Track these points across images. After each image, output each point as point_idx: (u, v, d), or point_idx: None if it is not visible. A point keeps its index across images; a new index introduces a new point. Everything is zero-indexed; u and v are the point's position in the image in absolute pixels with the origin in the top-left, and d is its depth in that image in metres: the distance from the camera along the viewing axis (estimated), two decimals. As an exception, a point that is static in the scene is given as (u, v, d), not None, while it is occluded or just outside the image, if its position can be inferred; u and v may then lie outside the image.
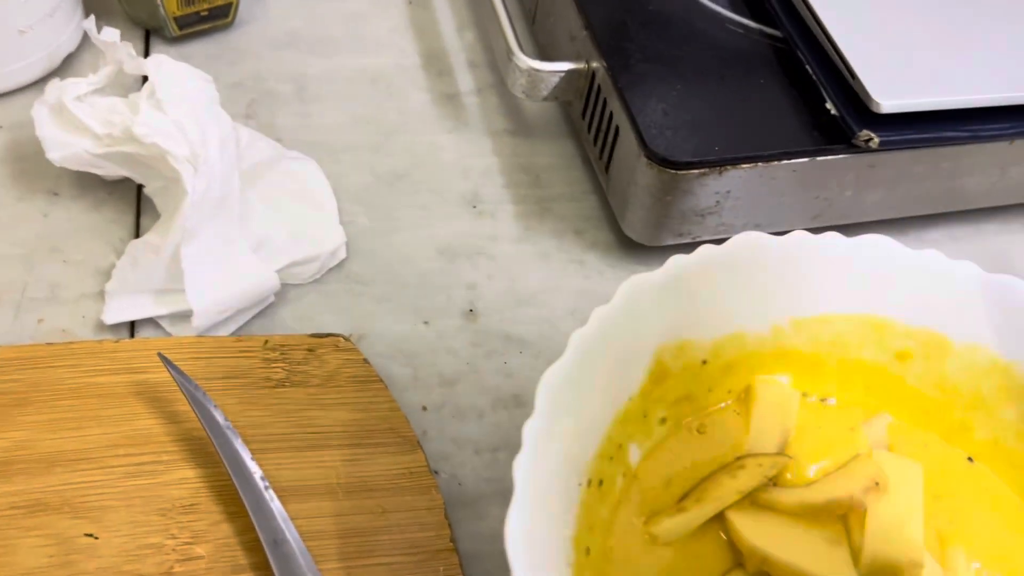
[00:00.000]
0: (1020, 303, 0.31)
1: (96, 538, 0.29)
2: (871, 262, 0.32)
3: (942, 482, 0.32)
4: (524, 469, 0.25)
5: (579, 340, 0.28)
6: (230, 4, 0.47)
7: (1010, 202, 0.45)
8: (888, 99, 0.37)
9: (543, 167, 0.46)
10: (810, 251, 0.32)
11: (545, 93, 0.43)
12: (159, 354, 0.32)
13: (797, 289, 0.32)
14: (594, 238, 0.43)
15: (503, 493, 0.34)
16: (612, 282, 0.42)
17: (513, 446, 0.35)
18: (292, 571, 0.28)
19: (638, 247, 0.42)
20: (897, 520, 0.29)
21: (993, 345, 0.32)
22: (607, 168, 0.41)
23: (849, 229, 0.35)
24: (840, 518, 0.30)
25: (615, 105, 0.40)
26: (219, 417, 0.31)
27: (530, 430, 0.26)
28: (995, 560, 0.31)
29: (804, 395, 0.34)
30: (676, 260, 0.30)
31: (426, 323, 0.39)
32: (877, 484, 0.30)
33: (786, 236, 0.32)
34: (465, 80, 0.49)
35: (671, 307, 0.30)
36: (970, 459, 0.33)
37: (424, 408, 0.36)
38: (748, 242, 0.31)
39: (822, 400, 0.34)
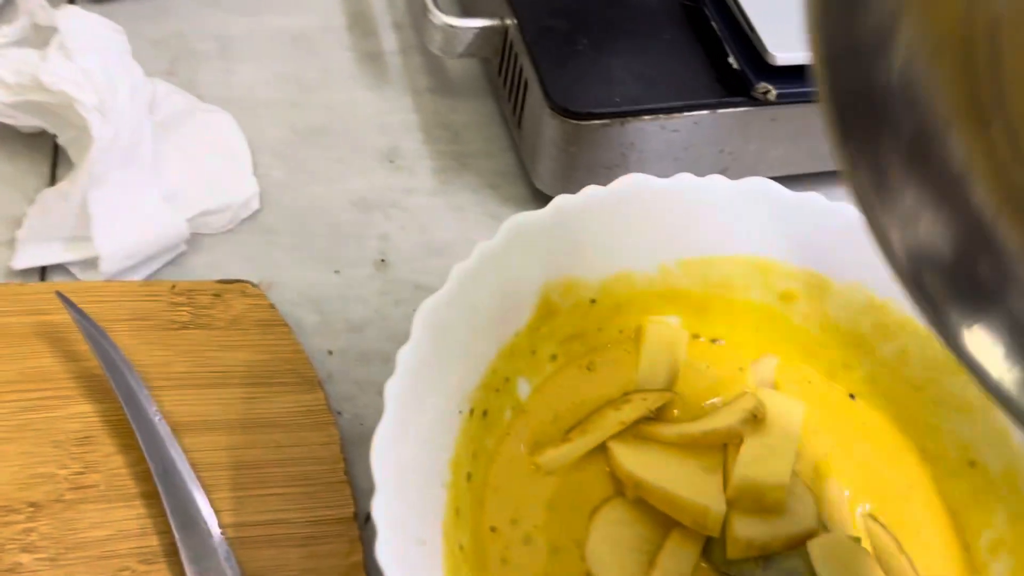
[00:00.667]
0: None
1: (-13, 467, 0.29)
2: (755, 204, 0.33)
3: (824, 418, 0.34)
4: (395, 392, 0.26)
5: (459, 273, 0.29)
6: (153, -38, 0.48)
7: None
8: (783, 52, 0.38)
9: (463, 124, 0.46)
10: (695, 193, 0.33)
11: (460, 49, 0.44)
12: (57, 293, 0.32)
13: (684, 231, 0.33)
14: (509, 193, 0.44)
15: (404, 432, 0.35)
16: (524, 234, 0.42)
17: (417, 389, 0.37)
18: (180, 498, 0.29)
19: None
20: (769, 449, 0.30)
21: (870, 283, 0.33)
22: (519, 123, 0.42)
23: None
24: (719, 449, 0.31)
25: (524, 60, 0.40)
26: (114, 353, 0.31)
27: (403, 355, 0.27)
28: (868, 489, 0.32)
29: (694, 336, 0.35)
30: (561, 199, 0.31)
31: (336, 272, 0.40)
32: (755, 417, 0.31)
33: (671, 178, 0.33)
34: (389, 40, 0.49)
35: (557, 246, 0.31)
36: (852, 396, 0.34)
37: (330, 352, 0.37)
38: (633, 184, 0.32)
39: (712, 341, 0.35)
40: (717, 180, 0.33)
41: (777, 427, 0.31)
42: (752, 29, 0.39)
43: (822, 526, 0.29)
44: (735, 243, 0.34)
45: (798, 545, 0.29)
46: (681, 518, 0.29)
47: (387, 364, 0.37)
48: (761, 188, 0.33)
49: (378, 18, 0.51)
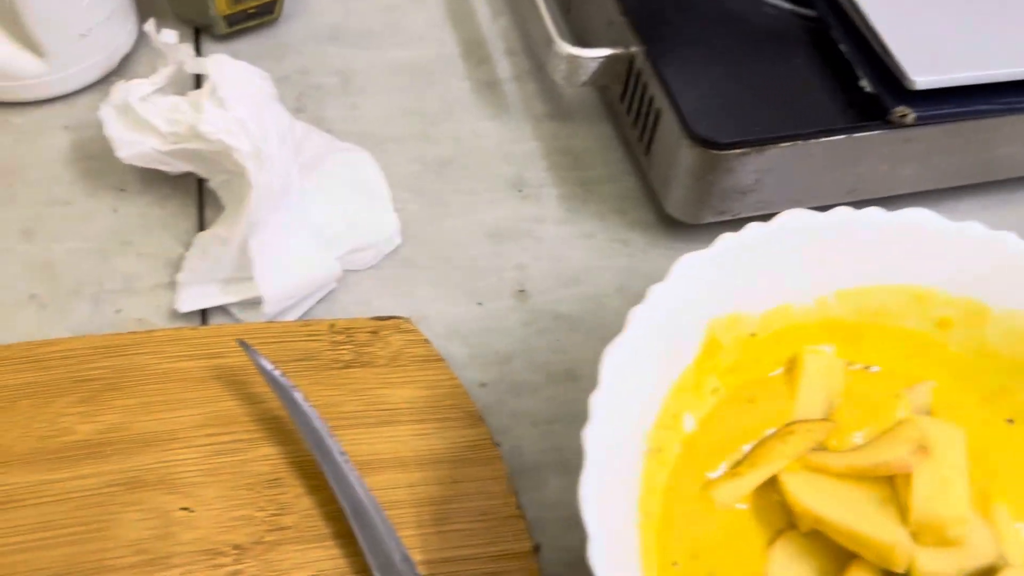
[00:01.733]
0: (1057, 270, 0.33)
1: (192, 511, 0.31)
2: (912, 235, 0.33)
3: (983, 443, 0.34)
4: (593, 438, 0.27)
5: (638, 316, 0.30)
6: (275, 0, 0.49)
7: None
8: (923, 75, 0.38)
9: (582, 150, 0.47)
10: (853, 226, 0.33)
11: (584, 79, 0.44)
12: (239, 341, 0.34)
13: (841, 263, 0.34)
14: (635, 217, 0.45)
15: (561, 463, 0.36)
16: (655, 260, 0.43)
17: (568, 418, 0.38)
18: (375, 538, 0.30)
19: (679, 225, 0.43)
20: (942, 480, 0.31)
21: (1031, 311, 0.33)
22: (648, 150, 0.43)
23: (884, 202, 0.36)
24: (887, 480, 0.32)
25: (655, 89, 0.41)
26: (298, 397, 0.33)
27: (596, 402, 0.28)
28: (1036, 515, 0.32)
29: (848, 363, 0.35)
30: (725, 239, 0.32)
31: (479, 304, 0.41)
32: (923, 448, 0.32)
33: (830, 212, 0.33)
34: (504, 68, 0.50)
35: (722, 283, 0.32)
36: (1010, 420, 0.35)
37: (482, 384, 0.38)
38: (793, 219, 0.33)
39: (866, 368, 0.36)
40: (875, 212, 0.33)
41: (944, 456, 0.32)
42: (888, 52, 0.39)
43: (1002, 558, 0.30)
44: (891, 273, 0.34)
45: (980, 577, 0.29)
46: (864, 554, 0.29)
47: (537, 394, 0.38)
48: (919, 218, 0.33)
49: (490, 45, 0.51)
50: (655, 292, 0.30)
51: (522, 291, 0.41)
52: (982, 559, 0.29)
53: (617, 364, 0.29)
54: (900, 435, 0.33)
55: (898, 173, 0.42)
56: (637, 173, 0.46)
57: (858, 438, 0.34)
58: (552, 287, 0.42)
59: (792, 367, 0.35)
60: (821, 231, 0.33)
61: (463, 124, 0.47)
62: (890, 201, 0.44)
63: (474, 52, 0.51)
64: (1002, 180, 0.46)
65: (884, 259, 0.34)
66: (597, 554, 0.25)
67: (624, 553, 0.27)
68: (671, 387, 0.31)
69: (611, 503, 0.27)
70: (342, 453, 0.32)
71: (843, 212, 0.33)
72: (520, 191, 0.45)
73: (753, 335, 0.34)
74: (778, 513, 0.32)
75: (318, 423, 0.32)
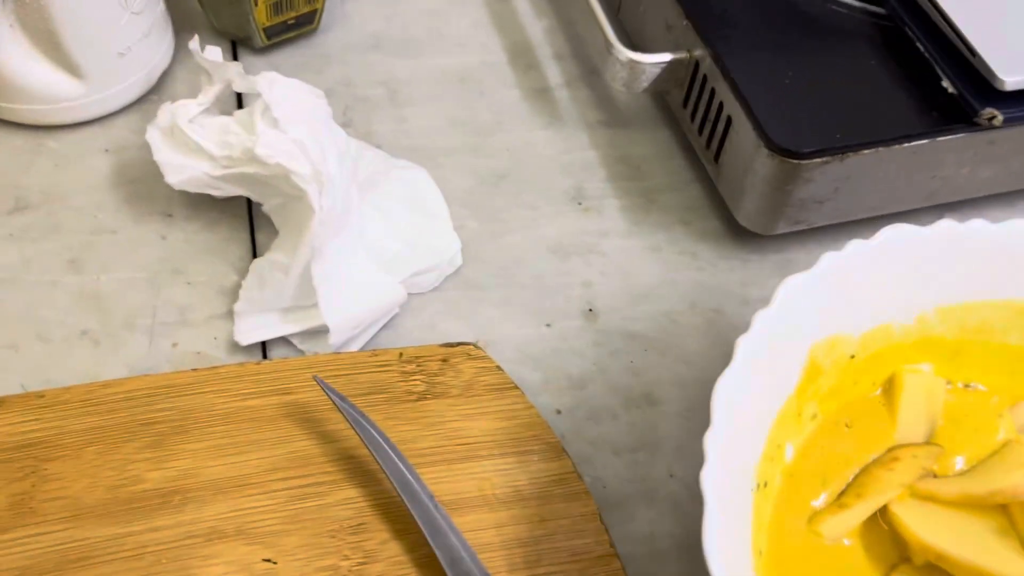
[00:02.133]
0: None
1: (275, 563, 0.29)
2: (1017, 247, 0.32)
3: (1093, 463, 0.32)
4: (711, 480, 0.25)
5: (746, 345, 0.28)
6: (315, 11, 0.47)
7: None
8: (1013, 75, 0.36)
9: (642, 158, 0.45)
10: (957, 240, 0.32)
11: (645, 84, 0.43)
12: (314, 376, 0.32)
13: (943, 278, 0.32)
14: (703, 228, 0.43)
15: (647, 494, 0.35)
16: (726, 272, 0.42)
17: (651, 446, 0.36)
18: (471, 587, 0.29)
19: (749, 235, 0.42)
20: (1063, 506, 0.29)
21: None
22: (717, 158, 0.41)
23: (961, 205, 0.35)
24: (1000, 508, 0.30)
25: (725, 94, 0.39)
26: (377, 433, 0.31)
27: (711, 441, 0.26)
28: None
29: (948, 382, 0.34)
30: (829, 258, 0.30)
31: (548, 325, 0.39)
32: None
33: (933, 226, 0.31)
34: (553, 73, 0.49)
35: (824, 304, 0.30)
36: (1119, 437, 0.33)
37: (558, 412, 0.37)
38: (897, 235, 0.31)
39: (966, 386, 0.34)
40: (979, 225, 0.32)
41: (1059, 480, 0.30)
42: (973, 52, 0.37)
43: None
44: (994, 287, 0.32)
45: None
46: (992, 591, 0.28)
47: (617, 420, 0.37)
48: (1022, 229, 0.32)
49: (537, 50, 0.50)
50: (761, 319, 0.29)
51: (591, 310, 0.40)
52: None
53: (728, 397, 0.27)
54: (1010, 459, 0.31)
55: (978, 175, 0.41)
56: (701, 181, 0.45)
57: (959, 462, 0.32)
58: (622, 305, 0.40)
59: (890, 388, 0.33)
60: (924, 246, 0.31)
61: (515, 134, 0.46)
62: (967, 204, 0.43)
63: (521, 58, 0.49)
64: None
65: (988, 272, 0.32)
66: (729, 610, 0.23)
67: (748, 602, 0.25)
68: (775, 418, 0.30)
69: (730, 547, 0.25)
70: (430, 495, 0.30)
71: (947, 225, 0.31)
72: (580, 204, 0.43)
73: (852, 357, 0.32)
74: (889, 546, 0.30)
75: (402, 462, 0.31)
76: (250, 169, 0.37)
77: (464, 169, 0.44)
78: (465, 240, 0.41)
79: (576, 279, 0.41)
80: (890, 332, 0.32)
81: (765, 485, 0.30)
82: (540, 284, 0.40)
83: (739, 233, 0.42)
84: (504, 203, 0.43)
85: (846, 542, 0.30)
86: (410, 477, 0.30)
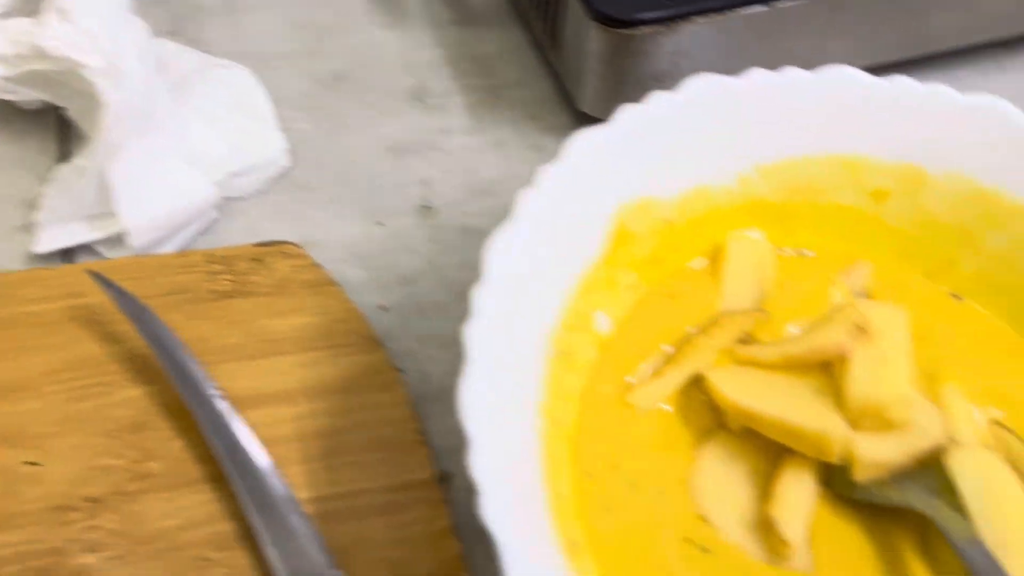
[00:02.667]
0: (1002, 124, 0.29)
1: (39, 465, 0.27)
2: (837, 95, 0.30)
3: (928, 323, 0.31)
4: (475, 337, 0.23)
5: (525, 202, 0.26)
6: (142, -84, 0.44)
7: (982, 39, 0.42)
8: (844, -71, 0.34)
9: (492, 55, 0.43)
10: (770, 90, 0.30)
11: (483, -27, 0.40)
12: (91, 272, 0.30)
13: (761, 133, 0.30)
14: (550, 122, 0.41)
15: (474, 385, 0.33)
16: (573, 164, 0.39)
17: (482, 338, 0.34)
18: (252, 478, 0.27)
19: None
20: (883, 362, 0.27)
21: (973, 172, 0.30)
22: (556, 43, 0.39)
23: None
24: (823, 369, 0.29)
25: (556, -29, 0.37)
26: (160, 330, 0.29)
27: (478, 296, 0.24)
28: (990, 395, 0.29)
29: (780, 249, 0.32)
30: (625, 110, 0.28)
31: (379, 224, 0.37)
32: (861, 329, 0.28)
33: (743, 75, 0.29)
34: (402, -27, 0.46)
35: (626, 164, 0.28)
36: (956, 296, 0.31)
37: (384, 308, 0.35)
38: (703, 86, 0.29)
39: (798, 252, 0.32)
40: (794, 73, 0.30)
41: (885, 338, 0.28)
42: (806, -92, 0.35)
43: (950, 439, 0.27)
44: (818, 141, 0.30)
45: (928, 461, 0.26)
46: (799, 447, 0.26)
47: (447, 316, 0.35)
48: (843, 77, 0.30)
49: (387, -49, 0.47)
50: (547, 175, 0.27)
51: (427, 207, 0.38)
52: (928, 441, 0.26)
53: (505, 255, 0.25)
54: (837, 320, 0.29)
55: (827, 49, 0.39)
56: (551, 76, 0.42)
57: (794, 330, 0.30)
58: (461, 200, 0.38)
59: (716, 256, 0.31)
60: (734, 97, 0.29)
61: (358, 35, 0.43)
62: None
63: (369, -41, 0.46)
64: (942, 55, 0.43)
65: (808, 126, 0.30)
66: (480, 463, 0.21)
67: (521, 464, 0.23)
68: (578, 284, 0.28)
69: (504, 411, 0.24)
70: (215, 389, 0.28)
71: (758, 74, 0.29)
72: (423, 102, 0.41)
73: (669, 222, 0.30)
74: (706, 414, 0.28)
75: (185, 358, 0.29)
76: (40, 66, 0.34)
77: (301, 72, 0.42)
78: (297, 143, 0.39)
79: (414, 177, 0.39)
80: (709, 194, 0.30)
81: (569, 355, 0.28)
82: (374, 184, 0.38)
83: (588, 125, 0.40)
84: (341, 105, 0.41)
85: (666, 408, 0.28)
86: (192, 371, 0.28)
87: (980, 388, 0.29)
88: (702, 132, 0.29)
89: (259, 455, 0.27)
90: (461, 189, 0.38)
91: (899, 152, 0.30)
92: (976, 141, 0.29)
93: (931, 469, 0.26)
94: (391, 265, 0.36)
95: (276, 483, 0.27)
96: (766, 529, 0.26)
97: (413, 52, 0.43)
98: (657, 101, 0.29)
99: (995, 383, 0.29)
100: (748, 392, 0.27)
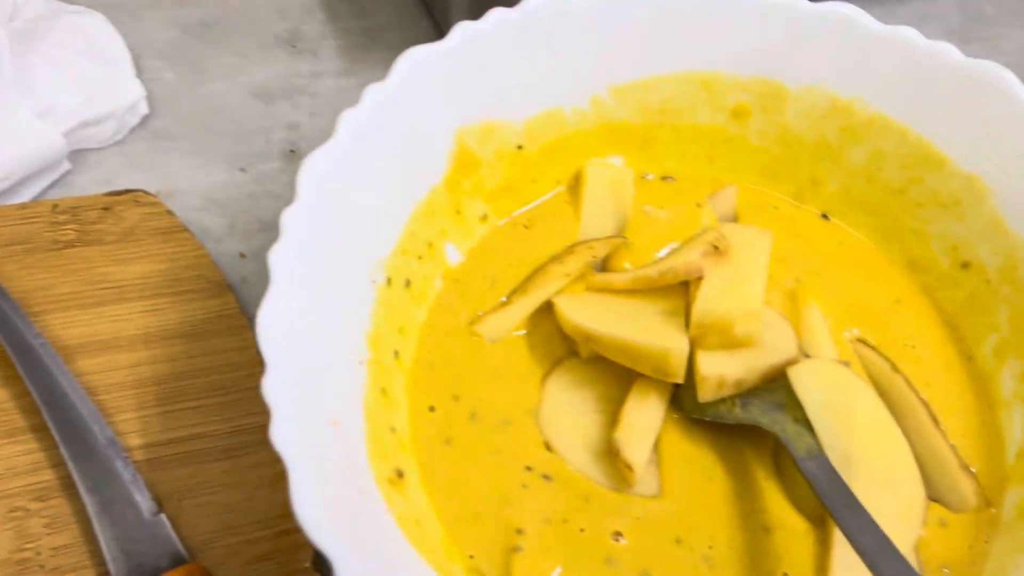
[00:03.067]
0: (852, 31, 0.28)
1: None
2: (689, 10, 0.29)
3: (795, 244, 0.30)
4: (282, 261, 0.22)
5: (349, 120, 0.25)
6: None
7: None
8: None
9: (369, -2, 0.42)
10: (618, 6, 0.28)
11: (351, -92, 0.39)
12: (-94, 219, 0.28)
13: (611, 51, 0.29)
14: (428, 63, 0.39)
15: (335, 329, 0.31)
16: (449, 104, 0.38)
17: (346, 282, 0.33)
18: (73, 426, 0.25)
19: (475, 65, 0.38)
20: (735, 279, 0.26)
21: (831, 83, 0.29)
22: (426, -21, 0.38)
23: None
24: (681, 292, 0.27)
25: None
26: (-19, 277, 0.27)
27: (289, 217, 0.23)
28: (852, 313, 0.28)
29: (642, 175, 0.31)
30: (463, 26, 0.27)
31: (242, 170, 0.36)
32: (717, 248, 0.27)
33: (587, -10, 0.28)
34: (279, -81, 0.44)
35: (466, 83, 0.27)
36: (824, 216, 0.31)
37: (243, 255, 0.33)
38: (544, 2, 0.28)
39: (663, 179, 0.31)
40: (641, -13, 0.28)
41: (743, 258, 0.27)
42: None
43: (803, 355, 0.26)
44: (672, 59, 0.29)
45: (780, 379, 0.25)
46: (641, 367, 0.25)
47: (309, 260, 0.33)
48: (692, -10, 0.29)
49: None
50: (372, 91, 0.25)
51: (293, 151, 0.36)
52: (777, 358, 0.25)
53: (322, 175, 0.24)
54: (695, 242, 0.28)
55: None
56: (428, 15, 0.41)
57: (661, 255, 0.29)
58: (329, 144, 0.37)
59: (576, 185, 0.30)
60: (581, 13, 0.28)
61: (229, -18, 0.42)
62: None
63: (244, -95, 0.45)
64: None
65: (660, 43, 0.29)
66: (273, 386, 0.20)
67: (334, 393, 0.22)
68: (415, 208, 0.27)
69: (319, 336, 0.22)
70: (38, 337, 0.27)
71: (603, -12, 0.28)
72: (294, 46, 0.40)
73: (520, 147, 0.29)
74: (558, 342, 0.27)
75: (7, 305, 0.27)
76: None
77: (167, 20, 0.40)
78: (159, 92, 0.37)
79: (280, 122, 0.37)
80: (561, 118, 0.29)
81: (408, 284, 0.26)
82: (239, 130, 0.37)
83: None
84: (208, 51, 0.39)
85: (520, 333, 0.27)
86: (14, 319, 0.27)
87: (844, 307, 0.28)
88: (547, 52, 0.28)
89: (82, 402, 0.26)
90: (329, 132, 0.37)
91: (755, 67, 0.29)
92: (829, 51, 0.28)
93: (781, 386, 0.25)
94: (252, 211, 0.34)
95: (98, 430, 0.25)
96: (613, 456, 0.25)
97: (287, -3, 0.41)
98: (497, 17, 0.27)
99: (858, 301, 0.29)
100: (594, 316, 0.26)
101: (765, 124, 0.30)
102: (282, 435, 0.19)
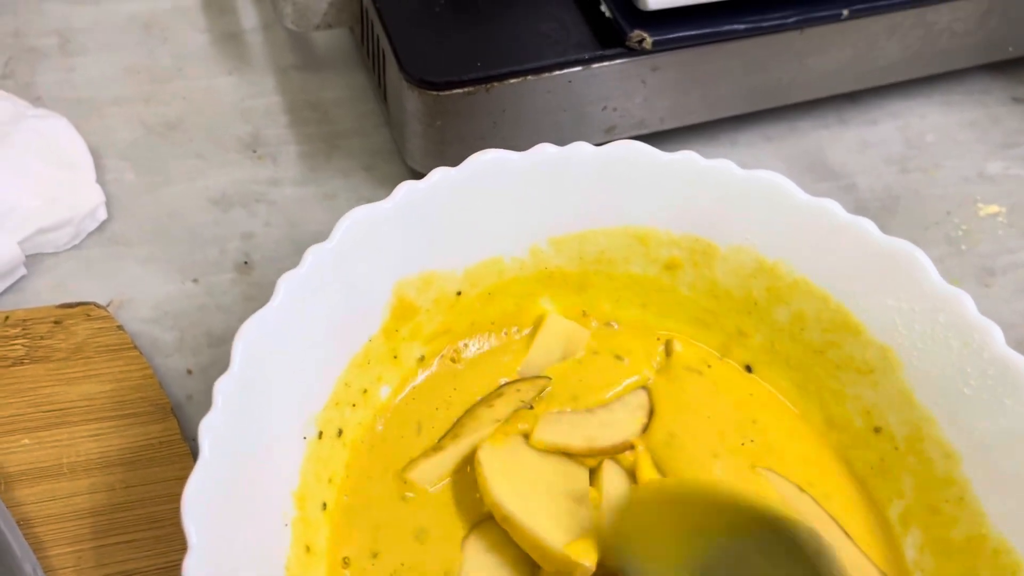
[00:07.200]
0: (779, 199, 0.30)
1: None
2: (626, 170, 0.30)
3: (727, 398, 0.31)
4: (214, 430, 0.23)
5: (289, 282, 0.26)
6: (-26, -47, 0.43)
7: (819, 95, 0.43)
8: (655, -5, 0.35)
9: (332, 102, 0.43)
10: (560, 164, 0.30)
11: (316, 21, 0.40)
12: None
13: (551, 206, 0.30)
14: (385, 173, 0.41)
15: (275, 452, 0.32)
16: (403, 218, 0.39)
17: (290, 401, 0.34)
18: (5, 566, 0.26)
19: (430, 178, 0.39)
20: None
21: (759, 246, 0.30)
22: (385, 97, 0.39)
23: (651, 139, 0.32)
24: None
25: (379, 28, 0.37)
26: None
27: (222, 386, 0.24)
28: (770, 461, 0.30)
29: (585, 314, 0.32)
30: (406, 187, 0.28)
31: (195, 281, 0.36)
32: (645, 428, 0.29)
33: (530, 151, 0.29)
34: (249, 16, 0.45)
35: (407, 238, 0.28)
36: (748, 368, 0.32)
37: (189, 371, 0.34)
38: (489, 161, 0.29)
39: (606, 324, 0.32)
40: (582, 148, 0.30)
41: (660, 429, 0.29)
42: (618, -28, 0.36)
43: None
44: (609, 214, 0.31)
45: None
46: (544, 564, 0.26)
47: (255, 378, 0.34)
48: (630, 152, 0.30)
49: (236, -8, 0.46)
50: (313, 252, 0.26)
51: (246, 262, 0.37)
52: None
53: (258, 341, 0.25)
54: (621, 412, 0.30)
55: (656, 106, 0.39)
56: (390, 124, 0.42)
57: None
58: (283, 256, 0.38)
59: (536, 328, 0.31)
60: (523, 171, 0.29)
61: (196, 81, 0.43)
62: (657, 138, 0.41)
63: (215, 1, 0.46)
64: (784, 108, 0.44)
65: (598, 199, 0.30)
66: (194, 567, 0.21)
67: (255, 560, 0.23)
68: (351, 360, 0.28)
69: (244, 505, 0.23)
70: (-25, 467, 0.28)
71: (545, 149, 0.29)
72: (255, 151, 0.41)
73: (459, 294, 0.30)
74: (479, 497, 0.28)
75: (-51, 434, 0.28)
76: None
77: (132, 119, 0.41)
78: (118, 194, 0.38)
79: (236, 231, 0.38)
80: (501, 266, 0.31)
81: (340, 433, 0.27)
82: (194, 237, 0.38)
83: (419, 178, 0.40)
84: (170, 153, 0.40)
85: (444, 483, 0.28)
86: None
87: (762, 454, 0.30)
88: (488, 206, 0.29)
89: (13, 536, 0.26)
90: (284, 243, 0.38)
91: (688, 225, 0.31)
92: (759, 214, 0.30)
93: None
94: (202, 324, 0.35)
95: (27, 566, 0.26)
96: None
97: (252, 99, 0.42)
98: (439, 177, 0.28)
99: (777, 452, 0.30)
100: (508, 480, 0.27)
101: (695, 278, 0.31)
102: (198, 622, 0.20)
